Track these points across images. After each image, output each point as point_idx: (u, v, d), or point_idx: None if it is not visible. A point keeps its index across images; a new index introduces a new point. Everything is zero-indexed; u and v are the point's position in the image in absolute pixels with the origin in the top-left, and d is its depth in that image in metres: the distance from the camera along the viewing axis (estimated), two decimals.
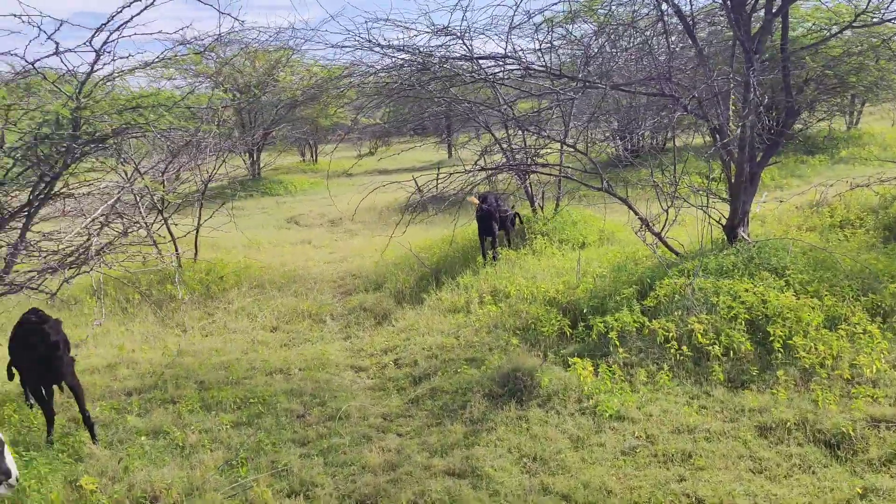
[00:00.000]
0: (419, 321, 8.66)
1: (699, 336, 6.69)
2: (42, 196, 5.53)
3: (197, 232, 12.05)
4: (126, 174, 10.78)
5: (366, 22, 9.59)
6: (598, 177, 8.32)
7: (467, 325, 8.28)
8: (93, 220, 6.17)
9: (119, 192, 7.12)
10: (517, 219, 11.63)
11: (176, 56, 5.41)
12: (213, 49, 23.34)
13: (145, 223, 11.24)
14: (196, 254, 11.78)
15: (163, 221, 11.64)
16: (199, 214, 12.19)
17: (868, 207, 11.49)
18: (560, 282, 8.78)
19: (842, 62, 18.73)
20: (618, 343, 6.84)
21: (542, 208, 12.39)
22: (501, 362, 6.89)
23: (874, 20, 10.34)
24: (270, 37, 25.16)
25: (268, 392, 6.80)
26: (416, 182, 9.47)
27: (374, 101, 11.24)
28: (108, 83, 5.36)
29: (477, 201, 10.68)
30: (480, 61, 9.26)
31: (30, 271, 5.75)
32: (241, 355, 8.04)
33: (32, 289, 5.42)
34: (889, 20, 10.21)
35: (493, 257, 10.48)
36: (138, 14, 4.77)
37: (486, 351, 7.47)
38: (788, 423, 5.41)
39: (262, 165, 27.28)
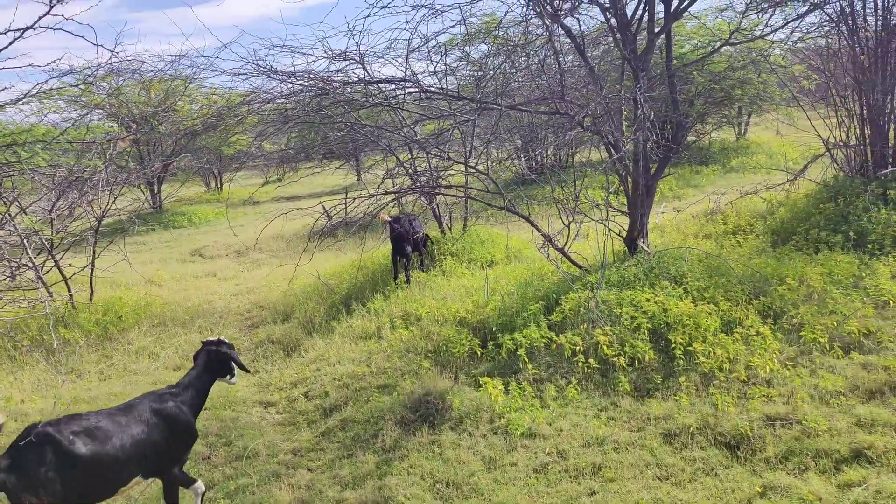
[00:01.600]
0: (330, 351, 8.51)
1: (605, 348, 6.82)
2: None
3: (92, 271, 11.48)
4: (8, 214, 10.18)
5: (262, 49, 9.45)
6: (501, 196, 8.41)
7: (379, 351, 8.19)
8: None
9: None
10: (428, 240, 11.65)
11: (53, 89, 5.13)
12: (106, 78, 22.53)
13: (33, 265, 10.64)
14: (92, 293, 11.22)
15: (53, 262, 11.05)
16: (94, 252, 11.63)
17: (757, 213, 12.07)
18: (470, 301, 8.81)
19: (727, 77, 19.77)
20: (527, 360, 6.90)
21: (450, 229, 12.45)
22: (413, 387, 6.83)
23: (749, 37, 10.97)
24: (166, 65, 24.54)
25: None
26: (323, 207, 9.34)
27: (275, 128, 11.04)
28: None
29: (387, 218, 10.63)
30: (380, 85, 9.29)
31: None
32: None
33: None
34: (762, 36, 10.87)
35: (406, 279, 10.45)
36: (6, 47, 4.52)
37: (398, 377, 7.39)
38: (691, 428, 5.56)
39: (163, 197, 26.41)
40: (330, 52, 9.53)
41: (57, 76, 5.49)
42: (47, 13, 4.66)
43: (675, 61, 9.66)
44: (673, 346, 6.69)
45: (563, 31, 8.27)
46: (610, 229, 8.95)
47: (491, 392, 6.27)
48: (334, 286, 10.85)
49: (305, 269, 9.80)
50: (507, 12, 10.33)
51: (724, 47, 19.06)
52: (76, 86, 5.85)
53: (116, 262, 12.41)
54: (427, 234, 11.72)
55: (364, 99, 9.07)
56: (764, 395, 5.89)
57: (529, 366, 6.82)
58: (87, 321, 10.12)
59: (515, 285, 9.04)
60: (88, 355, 9.29)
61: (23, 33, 4.64)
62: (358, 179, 31.23)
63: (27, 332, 9.79)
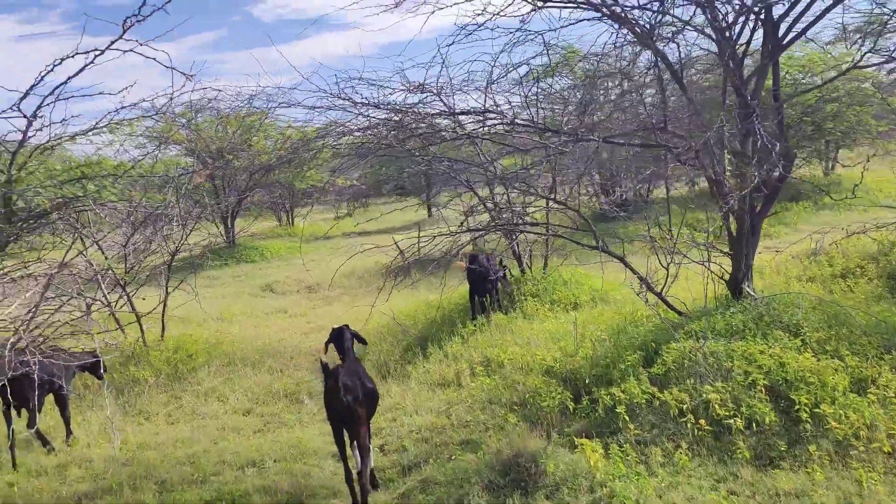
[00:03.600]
0: (406, 398, 7.95)
1: (717, 407, 6.05)
2: None
3: (164, 307, 11.29)
4: (83, 249, 10.07)
5: (338, 82, 9.17)
6: (590, 233, 7.77)
7: (459, 401, 7.58)
8: (32, 305, 5.44)
9: (50, 275, 6.38)
10: (506, 273, 11.04)
11: (126, 119, 4.81)
12: (184, 115, 22.93)
13: (107, 302, 10.49)
14: (163, 331, 11.00)
15: (126, 299, 10.88)
16: (166, 288, 11.45)
17: (867, 255, 11.05)
18: (557, 348, 8.15)
19: (818, 109, 18.65)
20: (627, 418, 6.18)
21: (530, 268, 11.82)
22: (500, 445, 6.18)
23: (851, 66, 10.08)
24: (243, 101, 24.92)
25: (238, 491, 6.01)
26: (397, 245, 8.89)
27: (350, 163, 10.73)
28: (47, 152, 4.74)
29: (464, 265, 10.12)
30: (460, 117, 8.84)
31: None
32: (209, 446, 7.26)
33: None
34: (867, 67, 9.94)
35: (486, 319, 9.87)
36: (75, 75, 4.20)
37: (481, 431, 6.77)
38: None
39: (237, 231, 26.59)
40: (407, 84, 9.18)
41: (130, 105, 5.20)
42: (120, 37, 4.33)
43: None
44: (797, 407, 5.87)
45: (661, 59, 7.66)
46: (711, 271, 8.20)
47: (590, 455, 5.57)
48: (409, 327, 10.34)
49: (379, 308, 9.32)
50: (596, 38, 9.72)
51: (814, 78, 18.11)
52: (151, 115, 5.52)
53: (188, 300, 12.23)
54: (505, 265, 11.08)
55: (445, 132, 8.63)
56: None
57: (631, 425, 6.10)
58: (157, 359, 9.86)
59: (607, 331, 8.34)
60: (157, 396, 8.98)
61: (94, 59, 4.32)
62: (429, 215, 30.97)
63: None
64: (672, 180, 18.95)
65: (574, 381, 7.32)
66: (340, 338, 6.50)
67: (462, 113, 8.42)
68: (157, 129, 24.53)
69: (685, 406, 6.17)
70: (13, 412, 7.14)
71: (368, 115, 9.52)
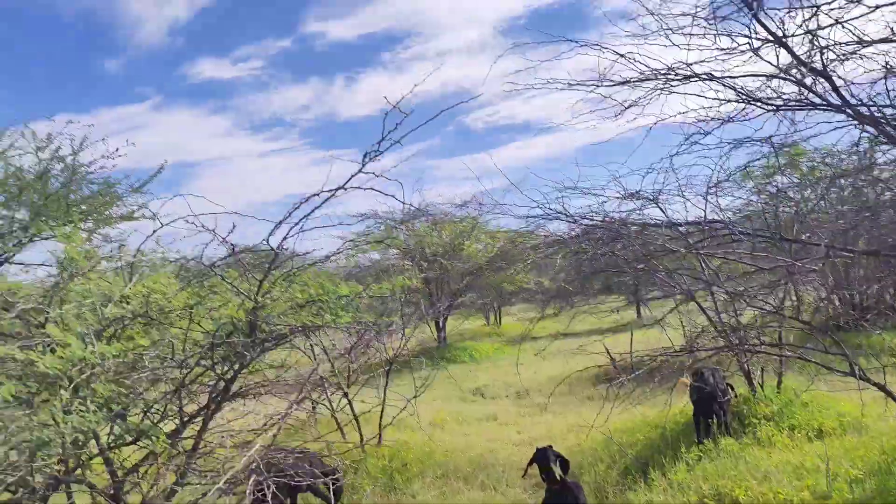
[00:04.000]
0: None
1: None
2: (219, 399, 5.18)
3: (381, 413, 11.59)
4: (313, 356, 10.71)
5: (552, 191, 9.24)
6: (842, 358, 6.87)
7: None
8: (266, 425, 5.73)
9: (295, 402, 6.72)
10: (731, 391, 10.10)
11: (360, 239, 5.07)
12: (404, 223, 24.27)
13: (330, 403, 10.98)
14: (380, 437, 11.24)
15: (347, 401, 11.32)
16: (384, 392, 11.78)
17: None
18: (804, 487, 7.17)
19: None
20: None
21: (761, 386, 10.75)
22: None
23: None
24: (455, 207, 26.01)
25: None
26: (607, 350, 8.47)
27: (559, 271, 10.61)
28: (289, 279, 5.06)
29: (689, 382, 9.41)
30: (679, 228, 8.43)
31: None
32: None
33: None
34: None
35: (714, 444, 9.01)
36: (319, 206, 4.48)
37: None
38: None
39: (447, 331, 27.26)
40: (623, 192, 8.97)
41: (361, 218, 5.48)
42: (359, 171, 4.56)
43: None
44: None
45: None
46: None
47: None
48: (627, 446, 9.71)
49: (589, 419, 8.82)
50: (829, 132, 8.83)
51: None
52: (381, 241, 5.74)
53: (400, 397, 12.47)
54: (729, 384, 10.14)
55: (666, 243, 8.23)
56: None
57: None
58: (374, 467, 10.02)
59: (865, 470, 7.23)
60: None
61: (334, 193, 4.57)
62: (638, 315, 29.86)
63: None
64: None
65: None
66: (545, 459, 6.44)
67: (682, 224, 8.01)
68: (379, 235, 26.31)
69: None
70: None
71: (583, 224, 9.42)
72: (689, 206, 9.43)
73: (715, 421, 9.43)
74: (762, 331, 7.80)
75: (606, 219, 9.22)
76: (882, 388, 6.72)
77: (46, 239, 11.41)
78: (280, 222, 4.34)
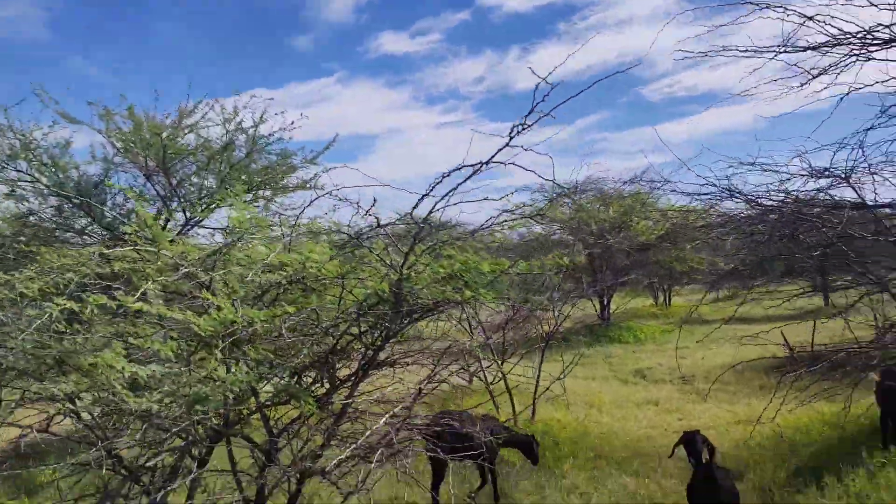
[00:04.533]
0: None
1: None
2: (366, 366, 5.29)
3: (536, 389, 11.50)
4: (469, 329, 10.80)
5: (729, 167, 8.55)
6: None
7: None
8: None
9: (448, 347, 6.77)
10: None
11: (518, 212, 4.94)
12: (569, 194, 23.75)
13: (484, 375, 11.04)
14: (533, 413, 11.16)
15: (500, 374, 11.32)
16: (539, 369, 11.67)
17: None
18: None
19: None
20: None
21: None
22: None
23: None
24: (625, 182, 25.16)
25: None
26: (784, 337, 7.78)
27: (734, 252, 9.89)
28: (431, 253, 5.03)
29: (877, 378, 8.49)
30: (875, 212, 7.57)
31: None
32: None
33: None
34: None
35: None
36: (463, 182, 4.37)
37: None
38: None
39: (612, 310, 26.55)
40: (808, 169, 8.17)
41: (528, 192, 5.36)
42: (506, 145, 4.42)
43: None
44: None
45: None
46: None
47: None
48: (800, 446, 8.96)
49: (758, 413, 8.17)
50: None
51: None
52: (537, 214, 5.55)
53: (557, 377, 12.26)
54: None
55: (853, 229, 7.42)
56: None
57: None
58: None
59: None
60: (522, 482, 8.99)
61: (479, 168, 4.46)
62: (826, 303, 27.43)
63: None
64: None
65: None
66: (692, 443, 6.62)
67: (878, 206, 7.17)
68: (536, 209, 25.97)
69: None
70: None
71: (760, 206, 8.74)
72: (887, 187, 8.45)
73: None
74: None
75: (788, 198, 8.50)
76: None
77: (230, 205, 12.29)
78: (423, 196, 4.30)
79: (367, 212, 4.50)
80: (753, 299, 10.34)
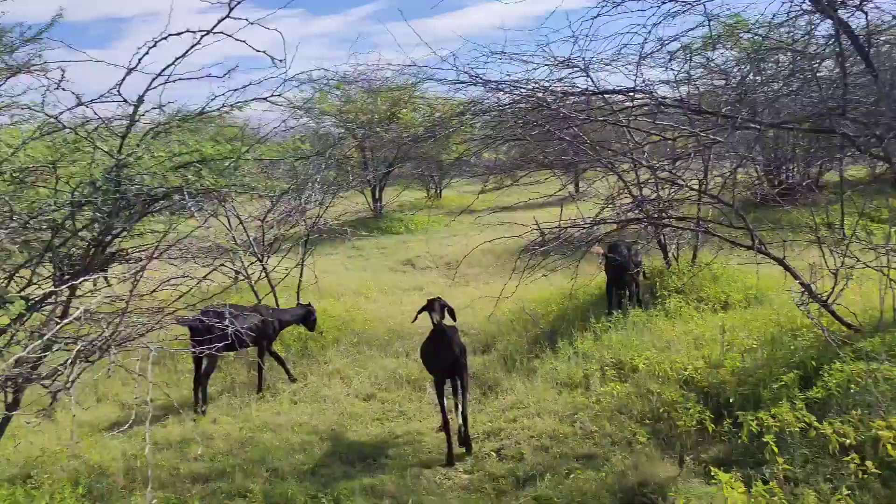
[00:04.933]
0: (529, 397, 7.48)
1: (889, 447, 5.11)
2: (89, 263, 4.87)
3: (300, 281, 11.46)
4: (228, 223, 10.39)
5: (481, 57, 8.79)
6: (746, 232, 6.88)
7: (586, 406, 7.01)
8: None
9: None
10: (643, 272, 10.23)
11: (235, 105, 4.63)
12: (339, 86, 23.24)
13: (245, 272, 10.78)
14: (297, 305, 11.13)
15: (263, 269, 11.11)
16: (303, 261, 11.61)
17: None
18: (699, 356, 7.36)
19: None
20: (776, 450, 5.36)
21: (676, 259, 10.90)
22: (626, 466, 5.60)
23: None
24: (393, 74, 25.02)
25: (345, 489, 5.82)
26: (537, 224, 8.36)
27: (482, 145, 10.31)
28: (162, 135, 4.65)
29: (602, 251, 9.44)
30: (606, 96, 8.14)
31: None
32: (326, 433, 7.16)
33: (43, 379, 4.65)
34: None
35: (623, 315, 9.16)
36: (182, 57, 4.02)
37: (607, 446, 6.19)
38: None
39: (383, 203, 26.94)
40: (552, 60, 8.56)
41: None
42: (226, 17, 4.10)
43: None
44: None
45: (843, 29, 6.56)
46: (891, 279, 7.04)
47: (728, 494, 4.85)
48: (540, 316, 9.83)
49: (513, 292, 8.83)
50: (766, 6, 8.53)
51: None
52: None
53: (330, 271, 12.30)
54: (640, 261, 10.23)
55: (586, 112, 7.96)
56: None
57: (780, 458, 5.29)
58: (287, 334, 9.92)
59: (759, 341, 7.43)
60: (285, 373, 9.04)
61: (201, 40, 4.11)
62: (577, 190, 29.94)
63: None
64: (848, 164, 16.95)
65: (716, 397, 6.55)
66: (431, 308, 7.20)
67: (607, 92, 7.72)
68: (313, 101, 25.29)
69: (848, 441, 5.28)
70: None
71: (508, 91, 9.05)
72: (623, 79, 9.08)
73: (626, 292, 9.57)
74: (673, 205, 7.73)
75: (536, 86, 8.85)
76: (780, 261, 6.79)
77: None
78: (130, 69, 3.89)
79: (58, 85, 3.99)
80: (526, 185, 10.84)
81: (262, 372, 8.60)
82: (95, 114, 4.30)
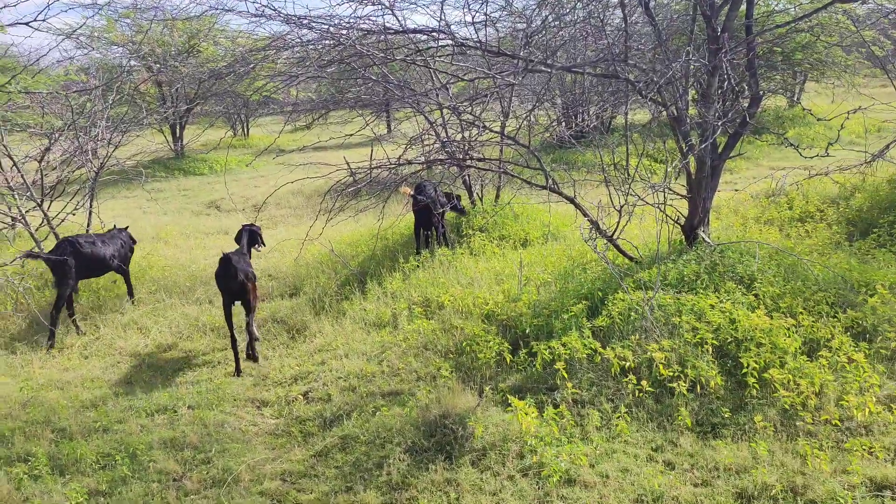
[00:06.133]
0: (338, 339, 7.47)
1: (661, 367, 5.68)
2: None
3: (88, 226, 10.56)
4: None
5: None
6: (543, 173, 7.21)
7: (394, 344, 7.13)
8: None
9: None
10: (458, 200, 10.40)
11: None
12: (128, 14, 21.33)
13: (22, 216, 9.74)
14: None
15: (43, 215, 10.10)
16: (90, 207, 10.69)
17: (828, 198, 10.75)
18: (500, 290, 7.71)
19: (788, 39, 18.00)
20: (566, 375, 5.78)
21: (480, 199, 11.26)
22: (429, 400, 5.77)
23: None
24: (189, 2, 23.26)
25: (141, 444, 5.53)
26: (347, 163, 8.22)
27: (283, 82, 9.93)
28: None
29: (410, 191, 9.51)
30: (410, 35, 8.10)
31: None
32: (120, 388, 6.73)
33: None
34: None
35: (431, 254, 9.35)
36: None
37: (412, 382, 6.35)
38: (773, 490, 4.44)
39: (185, 142, 25.34)
40: None
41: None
42: None
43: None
44: (744, 370, 5.54)
45: None
46: (667, 215, 7.72)
47: (522, 419, 5.17)
48: (349, 258, 9.79)
49: (323, 233, 8.68)
50: None
51: (789, 6, 17.38)
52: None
53: (125, 214, 11.38)
54: (457, 195, 10.46)
55: (387, 51, 7.88)
56: (864, 449, 4.73)
57: (569, 384, 5.72)
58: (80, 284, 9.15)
59: (553, 275, 7.91)
60: (73, 326, 8.35)
61: None
62: (388, 131, 29.87)
63: (11, 295, 8.88)
64: (633, 107, 18.27)
65: (514, 329, 6.92)
66: (240, 234, 8.15)
67: (410, 31, 7.66)
68: (99, 30, 23.01)
69: (627, 364, 5.81)
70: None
71: (311, 27, 8.73)
72: (426, 20, 9.03)
73: (433, 232, 9.77)
74: (475, 146, 7.91)
75: (341, 22, 8.59)
76: (571, 199, 7.20)
77: None
78: None
79: None
80: (331, 127, 10.55)
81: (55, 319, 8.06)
82: None
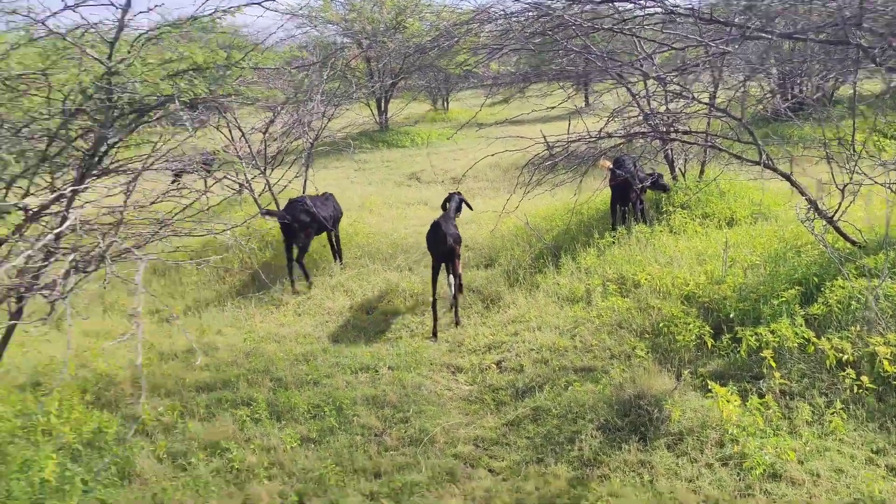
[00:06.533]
0: (531, 311, 7.53)
1: (885, 363, 5.15)
2: (85, 173, 4.81)
3: (304, 192, 11.40)
4: (230, 136, 10.26)
5: None
6: (755, 147, 6.73)
7: (587, 320, 7.05)
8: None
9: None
10: (660, 178, 10.00)
11: (229, 10, 4.47)
12: None
13: (248, 184, 10.71)
14: None
15: (266, 184, 11.04)
16: (306, 175, 11.52)
17: None
18: (702, 272, 7.35)
19: None
20: (774, 364, 5.42)
21: (683, 175, 10.76)
22: (624, 379, 5.67)
23: None
24: None
25: (346, 399, 5.94)
26: (544, 137, 8.21)
27: (487, 56, 10.01)
28: (154, 43, 4.50)
29: (608, 165, 9.28)
30: (615, 4, 7.85)
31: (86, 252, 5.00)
32: (328, 345, 7.26)
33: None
34: None
35: (628, 231, 9.10)
36: None
37: (606, 359, 6.26)
38: None
39: (389, 116, 26.49)
40: None
41: None
42: None
43: None
44: None
45: None
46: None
47: (723, 406, 4.93)
48: (544, 232, 9.78)
49: (519, 207, 8.76)
50: None
51: None
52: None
53: (335, 183, 12.10)
54: (660, 174, 10.03)
55: (593, 21, 7.69)
56: None
57: (777, 373, 5.35)
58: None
59: (762, 257, 7.40)
60: (290, 285, 9.10)
61: None
62: (586, 104, 29.34)
63: (238, 255, 9.82)
64: (863, 77, 16.47)
65: (716, 313, 6.58)
66: (449, 198, 8.73)
67: (617, 0, 7.42)
68: (316, 9, 24.58)
69: (845, 357, 5.33)
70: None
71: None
72: None
73: (630, 208, 9.49)
74: (681, 119, 7.55)
75: None
76: (787, 176, 6.68)
77: None
78: None
79: None
80: (536, 96, 10.58)
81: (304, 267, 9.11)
82: (83, 18, 4.16)
